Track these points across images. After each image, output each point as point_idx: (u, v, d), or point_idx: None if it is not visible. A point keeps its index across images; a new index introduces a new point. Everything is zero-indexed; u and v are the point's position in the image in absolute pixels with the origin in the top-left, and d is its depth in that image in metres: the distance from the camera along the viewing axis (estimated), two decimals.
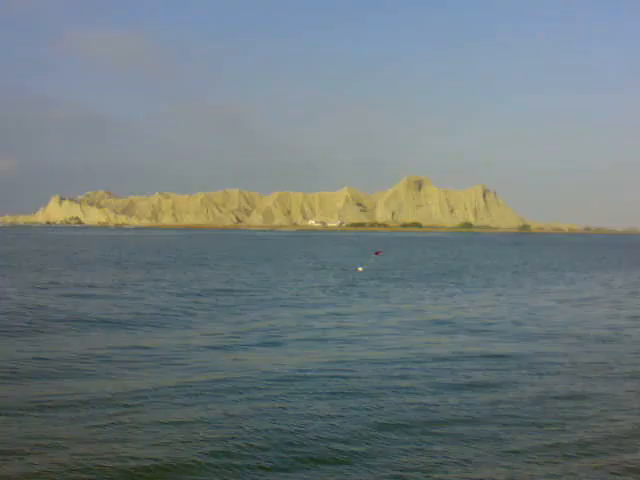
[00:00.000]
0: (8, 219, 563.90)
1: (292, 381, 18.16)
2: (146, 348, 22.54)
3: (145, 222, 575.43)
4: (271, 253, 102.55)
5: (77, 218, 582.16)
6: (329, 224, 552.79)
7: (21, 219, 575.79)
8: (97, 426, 14.13)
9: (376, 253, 76.45)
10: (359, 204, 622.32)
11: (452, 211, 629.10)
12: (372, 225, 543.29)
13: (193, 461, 12.38)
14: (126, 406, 15.58)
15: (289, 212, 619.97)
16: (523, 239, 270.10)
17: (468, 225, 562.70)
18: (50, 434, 13.61)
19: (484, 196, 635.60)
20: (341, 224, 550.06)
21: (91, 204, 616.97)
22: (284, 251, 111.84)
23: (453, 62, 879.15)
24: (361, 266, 67.33)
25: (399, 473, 12.15)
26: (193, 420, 14.61)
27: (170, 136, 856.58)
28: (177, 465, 12.21)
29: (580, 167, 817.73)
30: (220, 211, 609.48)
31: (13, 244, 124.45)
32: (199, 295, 39.38)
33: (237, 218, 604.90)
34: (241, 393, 16.88)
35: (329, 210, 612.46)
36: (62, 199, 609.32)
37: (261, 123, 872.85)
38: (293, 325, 28.42)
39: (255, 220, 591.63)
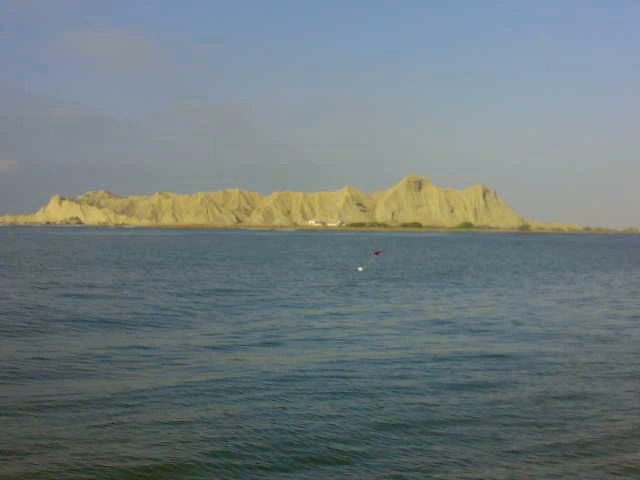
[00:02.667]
0: (8, 219, 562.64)
1: (292, 381, 18.17)
2: (146, 348, 22.55)
3: (145, 222, 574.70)
4: (271, 253, 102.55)
5: (77, 218, 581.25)
6: (329, 224, 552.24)
7: (21, 219, 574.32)
8: (97, 426, 14.14)
9: (376, 253, 76.51)
10: (359, 204, 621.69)
11: (452, 211, 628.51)
12: (372, 225, 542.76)
13: (193, 461, 12.39)
14: (126, 406, 15.59)
15: (289, 212, 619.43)
16: (523, 239, 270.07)
17: (468, 225, 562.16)
18: (50, 434, 13.62)
19: (484, 196, 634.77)
20: (341, 224, 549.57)
21: (91, 204, 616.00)
22: (284, 251, 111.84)
23: (453, 62, 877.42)
24: (361, 266, 67.37)
25: (399, 473, 12.15)
26: (193, 420, 14.62)
27: (170, 136, 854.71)
28: (177, 465, 12.22)
29: (580, 167, 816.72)
30: (220, 211, 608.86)
31: (13, 244, 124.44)
32: (199, 295, 39.39)
33: (237, 218, 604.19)
34: (241, 393, 16.89)
35: (329, 210, 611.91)
36: (62, 199, 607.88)
37: (261, 123, 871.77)
38: (293, 325, 28.43)
39: (255, 220, 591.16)
